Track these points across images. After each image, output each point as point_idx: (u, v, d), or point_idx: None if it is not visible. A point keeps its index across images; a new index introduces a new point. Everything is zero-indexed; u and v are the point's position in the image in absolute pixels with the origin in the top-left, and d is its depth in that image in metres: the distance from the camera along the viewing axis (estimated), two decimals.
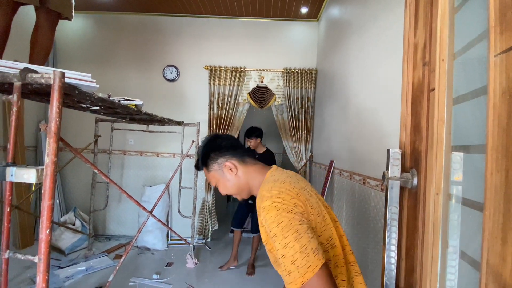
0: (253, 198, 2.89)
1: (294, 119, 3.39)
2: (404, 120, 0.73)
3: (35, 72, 1.03)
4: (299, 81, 3.41)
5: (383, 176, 0.71)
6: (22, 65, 1.07)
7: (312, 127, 3.46)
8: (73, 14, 1.51)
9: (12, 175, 0.99)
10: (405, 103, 0.72)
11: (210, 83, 3.52)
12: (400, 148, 0.73)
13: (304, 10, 3.35)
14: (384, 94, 1.55)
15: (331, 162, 2.44)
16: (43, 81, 1.01)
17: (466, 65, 0.53)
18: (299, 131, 3.39)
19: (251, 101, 3.53)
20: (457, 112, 0.55)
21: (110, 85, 3.49)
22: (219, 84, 3.48)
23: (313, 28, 3.60)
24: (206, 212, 3.48)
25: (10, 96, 1.05)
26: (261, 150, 2.88)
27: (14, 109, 1.04)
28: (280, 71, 3.51)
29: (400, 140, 0.75)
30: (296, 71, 3.42)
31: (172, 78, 3.65)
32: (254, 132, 2.85)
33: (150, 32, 3.66)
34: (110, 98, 1.55)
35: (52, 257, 2.01)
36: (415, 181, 0.67)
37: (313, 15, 3.49)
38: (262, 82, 3.56)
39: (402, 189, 0.73)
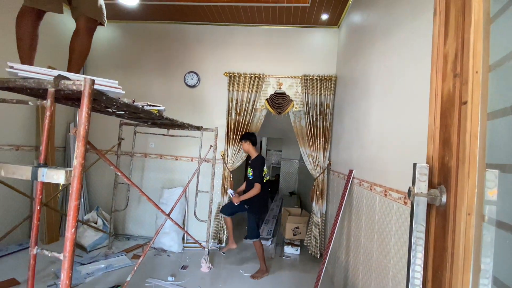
0: (248, 203, 2.91)
1: (312, 126, 3.35)
2: (432, 133, 0.69)
3: (68, 79, 1.10)
4: (318, 88, 3.37)
5: (409, 191, 0.68)
6: (56, 72, 1.15)
7: (330, 135, 3.39)
8: (105, 19, 1.59)
9: (43, 176, 1.05)
10: (434, 116, 0.69)
11: (229, 89, 3.57)
12: (427, 163, 0.69)
13: (324, 17, 3.33)
14: (410, 103, 1.49)
15: (351, 171, 2.37)
16: (74, 87, 1.07)
17: (503, 78, 0.50)
18: (317, 138, 3.33)
19: (268, 107, 3.54)
20: (492, 127, 0.51)
21: (134, 91, 3.65)
22: (237, 90, 3.53)
23: (333, 34, 3.56)
24: (221, 216, 3.49)
25: (44, 101, 1.13)
26: (254, 155, 2.96)
27: (48, 113, 1.10)
28: (298, 77, 3.50)
29: (427, 154, 0.71)
30: (315, 78, 3.38)
31: (193, 84, 3.75)
32: (246, 136, 2.97)
33: (173, 40, 3.79)
34: (134, 103, 1.62)
35: (75, 254, 2.12)
36: (444, 198, 0.64)
37: (334, 22, 3.45)
38: (280, 88, 3.56)
39: (429, 206, 0.69)
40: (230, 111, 3.54)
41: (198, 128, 2.93)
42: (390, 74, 1.76)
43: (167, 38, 3.80)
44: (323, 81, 3.37)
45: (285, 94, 3.54)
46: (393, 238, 1.55)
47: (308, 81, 3.39)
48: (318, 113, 3.33)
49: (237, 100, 3.52)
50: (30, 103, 1.16)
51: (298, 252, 3.42)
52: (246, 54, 3.68)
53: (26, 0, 1.37)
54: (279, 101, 3.52)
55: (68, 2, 1.52)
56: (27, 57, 1.42)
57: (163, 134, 3.11)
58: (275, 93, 3.55)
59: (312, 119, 3.34)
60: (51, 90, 1.09)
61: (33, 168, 1.06)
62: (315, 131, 3.34)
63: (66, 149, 3.72)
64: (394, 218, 1.57)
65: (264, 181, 2.93)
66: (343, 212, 2.47)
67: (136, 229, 3.73)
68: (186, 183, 3.59)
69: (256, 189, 2.78)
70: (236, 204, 2.85)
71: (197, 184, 3.22)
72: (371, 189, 1.93)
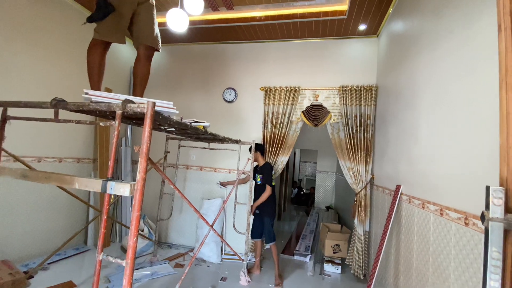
0: (259, 208, 2.96)
1: (352, 138, 3.23)
2: (505, 153, 0.64)
3: (133, 102, 1.24)
4: (358, 99, 3.27)
5: (482, 216, 0.63)
6: (123, 97, 1.30)
7: (372, 147, 3.23)
8: (160, 46, 1.79)
9: (111, 188, 1.18)
10: (506, 135, 0.64)
11: (265, 103, 3.65)
12: (501, 185, 0.64)
13: (362, 27, 3.27)
14: (465, 114, 1.38)
15: (398, 187, 2.23)
16: (138, 110, 1.20)
17: None
18: (357, 151, 3.20)
19: (305, 119, 3.52)
20: None
21: (178, 107, 3.90)
22: (273, 104, 3.58)
23: (372, 44, 3.47)
24: (251, 242, 3.49)
25: (113, 122, 1.28)
26: (262, 163, 3.15)
27: (115, 133, 1.25)
28: (336, 88, 3.45)
29: (500, 175, 0.65)
30: (354, 88, 3.30)
31: (231, 100, 3.91)
32: (255, 146, 3.10)
33: (212, 59, 4.03)
34: (183, 121, 1.75)
35: (123, 258, 2.30)
36: None
37: (372, 31, 3.37)
38: (316, 100, 3.53)
39: (505, 232, 0.63)
40: (266, 124, 3.60)
41: (237, 141, 3.03)
42: (441, 85, 1.65)
43: (207, 57, 4.06)
44: (362, 92, 3.27)
45: (321, 106, 3.50)
46: (453, 262, 1.41)
47: (347, 92, 3.32)
48: (358, 124, 3.22)
49: (272, 113, 3.57)
50: (101, 123, 1.33)
51: (339, 271, 3.26)
52: (281, 68, 3.75)
53: (95, 33, 1.60)
54: (315, 113, 3.49)
55: (130, 34, 1.74)
56: (96, 83, 1.63)
57: (204, 148, 3.27)
58: (311, 105, 3.54)
59: (352, 130, 3.23)
60: (119, 112, 1.24)
61: (103, 181, 1.19)
62: (356, 143, 3.21)
63: (118, 161, 4.10)
64: (453, 240, 1.43)
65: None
66: (391, 231, 2.31)
67: (178, 238, 3.90)
68: (224, 194, 3.70)
69: (268, 191, 2.98)
70: (251, 214, 3.01)
71: (236, 196, 3.29)
72: (423, 207, 1.79)
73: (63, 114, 1.55)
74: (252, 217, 3.05)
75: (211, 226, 2.10)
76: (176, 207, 3.83)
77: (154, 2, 1.79)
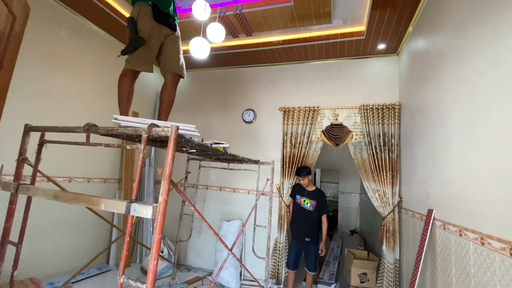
0: (310, 235, 2.85)
1: (376, 158, 3.10)
2: None
3: (158, 126, 1.29)
4: (380, 117, 3.18)
5: None
6: (149, 121, 1.37)
7: (399, 168, 3.06)
8: (185, 73, 1.90)
9: (135, 210, 1.20)
10: None
11: (283, 123, 3.66)
12: None
13: (381, 46, 3.26)
14: (503, 133, 1.28)
15: (430, 211, 2.07)
16: (163, 133, 1.25)
17: None
18: (382, 172, 3.05)
19: (325, 139, 3.46)
20: None
21: (199, 128, 4.03)
22: (292, 124, 3.58)
23: (392, 62, 3.43)
24: (278, 254, 3.36)
25: (139, 145, 1.33)
26: (311, 188, 3.06)
27: (141, 156, 1.29)
28: (356, 107, 3.39)
29: None
30: (376, 107, 3.22)
31: (250, 120, 3.97)
32: (304, 170, 3.04)
33: (232, 82, 4.18)
34: (203, 142, 1.78)
35: (143, 280, 2.29)
36: None
37: (392, 50, 3.34)
38: (336, 119, 3.48)
39: None
40: (285, 144, 3.58)
41: (256, 162, 3.02)
42: (474, 105, 1.56)
43: (227, 80, 4.21)
44: (385, 110, 3.18)
45: (342, 125, 3.44)
46: None
47: (368, 111, 3.25)
48: (382, 144, 3.10)
49: (291, 133, 3.56)
50: (128, 147, 1.39)
51: None
52: (299, 89, 3.78)
53: (126, 64, 1.73)
54: (336, 132, 3.43)
55: (157, 63, 1.86)
56: (125, 108, 1.74)
57: (224, 168, 3.29)
58: (331, 124, 3.49)
59: (376, 150, 3.11)
60: (144, 136, 1.29)
61: (127, 203, 1.22)
62: (380, 163, 3.08)
63: (141, 181, 4.22)
64: (498, 273, 1.28)
65: None
66: (424, 260, 2.12)
67: (196, 260, 3.84)
68: (243, 215, 3.65)
69: (326, 222, 2.92)
70: (326, 250, 2.94)
71: (255, 218, 3.22)
72: (460, 235, 1.64)
73: (94, 137, 1.65)
74: (281, 242, 2.99)
75: (230, 250, 2.05)
76: (195, 228, 3.82)
77: (179, 33, 1.92)
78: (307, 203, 2.96)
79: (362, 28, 3.02)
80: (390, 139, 3.09)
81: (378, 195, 3.05)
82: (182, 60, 1.86)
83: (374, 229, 4.33)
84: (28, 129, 1.67)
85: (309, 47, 3.42)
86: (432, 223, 2.04)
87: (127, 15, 3.15)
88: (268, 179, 3.03)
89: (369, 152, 3.15)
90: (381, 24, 2.81)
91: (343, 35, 3.14)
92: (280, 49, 3.52)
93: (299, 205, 3.00)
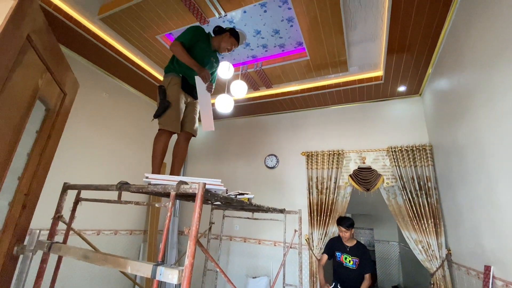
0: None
1: (413, 203, 2.84)
2: None
3: (186, 183, 1.31)
4: (411, 159, 3.01)
5: None
6: (177, 178, 1.39)
7: (441, 215, 2.76)
8: (197, 133, 2.08)
9: (160, 275, 1.15)
10: None
11: (307, 168, 3.58)
12: None
13: (401, 88, 3.26)
14: None
15: (487, 268, 1.77)
16: (190, 190, 1.25)
17: None
18: (422, 219, 2.75)
19: (353, 183, 3.29)
20: None
21: (223, 175, 4.09)
22: (316, 168, 3.49)
23: (416, 102, 3.37)
24: None
25: (167, 204, 1.34)
26: (351, 242, 2.70)
27: (168, 214, 1.29)
28: (384, 150, 3.27)
29: None
30: (405, 149, 3.08)
31: (272, 166, 3.95)
32: (348, 221, 2.68)
33: (254, 129, 4.31)
34: (228, 194, 1.76)
35: None
36: None
37: (414, 91, 3.32)
38: (364, 163, 3.35)
39: None
40: (310, 190, 3.44)
41: (281, 211, 2.89)
42: None
43: (249, 128, 4.36)
44: (415, 151, 3.02)
45: (370, 168, 3.28)
46: None
47: (397, 153, 3.10)
48: (417, 188, 2.86)
49: (317, 178, 3.45)
50: (156, 205, 1.40)
51: None
52: (321, 133, 3.78)
53: (159, 124, 1.87)
54: (365, 176, 3.27)
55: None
56: (157, 166, 1.81)
57: (248, 218, 3.17)
58: (358, 168, 3.35)
59: (411, 195, 2.87)
60: (173, 193, 1.30)
61: (153, 266, 1.18)
62: (419, 210, 2.80)
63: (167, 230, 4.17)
64: None
65: None
66: None
67: None
68: (269, 271, 3.36)
69: (370, 280, 2.53)
70: None
71: (284, 276, 2.95)
72: None
73: (125, 193, 1.70)
74: None
75: None
76: (219, 284, 3.55)
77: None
78: (349, 261, 2.58)
79: (379, 73, 3.09)
80: (426, 182, 2.86)
81: (422, 247, 2.70)
82: (197, 124, 2.06)
83: (421, 285, 3.75)
84: (66, 187, 1.77)
85: (327, 94, 3.51)
86: (492, 283, 1.72)
87: (159, 77, 3.53)
88: (295, 230, 2.84)
89: (404, 197, 2.91)
90: (399, 68, 2.85)
91: (361, 80, 3.21)
92: (300, 97, 3.64)
93: (342, 264, 2.63)
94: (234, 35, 2.02)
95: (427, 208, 2.75)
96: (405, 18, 2.16)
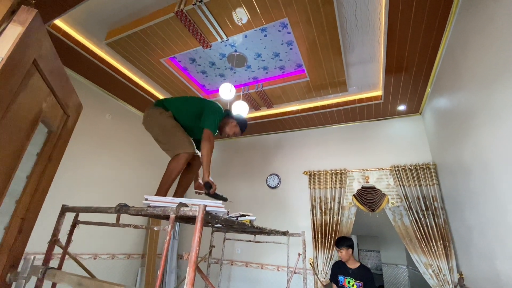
0: None
1: (420, 224, 2.75)
2: None
3: (186, 205, 1.27)
4: (415, 178, 2.96)
5: None
6: (177, 200, 1.36)
7: (450, 236, 2.65)
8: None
9: None
10: None
11: (310, 187, 3.52)
12: None
13: (401, 107, 3.29)
14: None
15: None
16: (191, 213, 1.22)
17: None
18: (431, 241, 2.64)
19: (358, 203, 3.22)
20: None
21: (224, 193, 4.02)
22: (319, 188, 3.43)
23: (416, 121, 3.38)
24: None
25: (166, 227, 1.30)
26: (354, 264, 2.55)
27: (168, 238, 1.24)
28: (387, 169, 3.23)
29: None
30: (408, 167, 3.04)
31: (274, 185, 3.89)
32: (345, 241, 2.57)
33: (255, 149, 4.30)
34: (229, 216, 1.71)
35: None
36: None
37: (414, 110, 3.35)
38: (367, 182, 3.30)
39: None
40: (314, 211, 3.36)
41: (284, 233, 2.79)
42: None
43: (250, 147, 4.35)
44: (419, 170, 2.98)
45: (374, 188, 3.22)
46: None
47: (401, 172, 3.06)
48: (423, 208, 2.79)
49: (320, 198, 3.38)
50: (155, 228, 1.36)
51: None
52: (323, 152, 3.76)
53: (179, 149, 1.84)
54: (369, 196, 3.20)
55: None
56: (165, 188, 1.76)
57: (250, 241, 3.06)
58: (362, 187, 3.29)
59: (418, 215, 2.79)
60: (172, 216, 1.27)
61: None
62: (426, 231, 2.70)
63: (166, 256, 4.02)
64: None
65: None
66: None
67: None
68: None
69: None
70: None
71: None
72: None
73: (123, 215, 1.65)
74: None
75: None
76: None
77: None
78: (352, 285, 2.47)
79: (379, 92, 3.13)
80: (432, 202, 2.79)
81: (432, 271, 2.57)
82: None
83: None
84: (64, 210, 1.73)
85: (328, 113, 3.54)
86: None
87: (162, 97, 3.59)
88: (299, 254, 2.73)
89: (410, 217, 2.82)
90: (398, 88, 2.89)
91: (360, 100, 3.25)
92: (300, 116, 3.67)
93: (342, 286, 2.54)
94: (240, 125, 1.98)
95: (435, 229, 2.65)
96: (401, 40, 2.22)
